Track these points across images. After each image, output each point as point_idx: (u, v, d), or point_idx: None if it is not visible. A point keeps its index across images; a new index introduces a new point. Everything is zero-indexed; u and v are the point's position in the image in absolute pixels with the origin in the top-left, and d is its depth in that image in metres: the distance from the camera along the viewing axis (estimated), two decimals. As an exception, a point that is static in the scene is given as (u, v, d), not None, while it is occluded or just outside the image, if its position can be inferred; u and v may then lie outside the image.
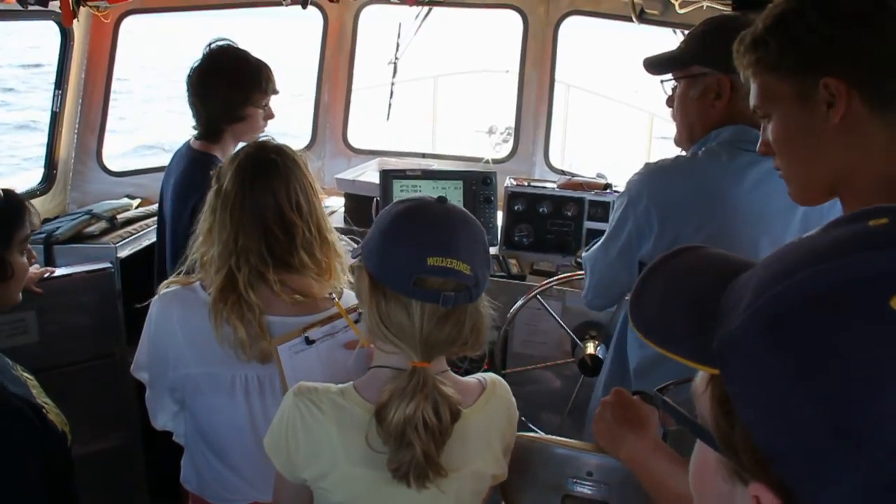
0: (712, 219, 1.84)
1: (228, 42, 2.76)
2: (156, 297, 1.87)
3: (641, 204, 1.92)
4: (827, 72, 1.18)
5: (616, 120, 11.37)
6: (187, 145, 2.80)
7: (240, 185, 1.78)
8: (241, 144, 2.75)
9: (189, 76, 2.71)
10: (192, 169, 2.71)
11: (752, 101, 1.32)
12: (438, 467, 1.36)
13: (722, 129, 1.93)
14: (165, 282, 1.90)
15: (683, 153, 2.07)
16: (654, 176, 1.95)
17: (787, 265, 0.57)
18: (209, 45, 2.74)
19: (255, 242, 1.77)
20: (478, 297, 1.42)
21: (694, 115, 1.99)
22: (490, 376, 1.57)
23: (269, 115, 2.81)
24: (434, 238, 1.37)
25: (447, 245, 1.36)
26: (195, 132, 2.75)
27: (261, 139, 1.90)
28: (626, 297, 2.14)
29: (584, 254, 2.25)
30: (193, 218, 2.57)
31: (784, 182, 1.34)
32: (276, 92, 2.80)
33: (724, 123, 1.94)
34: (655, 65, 2.06)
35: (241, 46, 2.79)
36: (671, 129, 2.11)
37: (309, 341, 1.76)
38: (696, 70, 1.95)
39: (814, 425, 0.50)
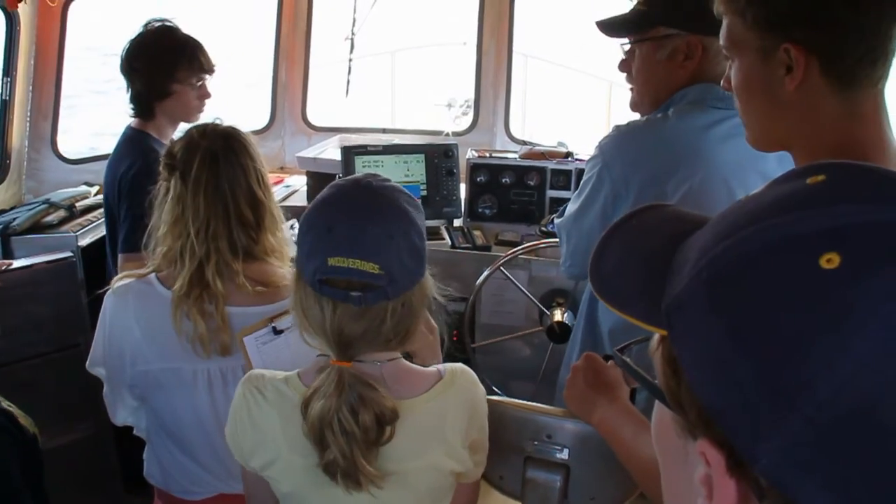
0: (690, 177, 1.83)
1: (165, 21, 2.75)
2: (109, 291, 1.82)
3: (616, 167, 1.90)
4: (790, 36, 1.18)
5: (575, 89, 11.38)
6: (127, 126, 2.81)
7: (210, 168, 1.75)
8: (181, 126, 2.82)
9: (121, 56, 2.71)
10: (123, 143, 2.76)
11: (721, 39, 1.31)
12: (368, 472, 1.31)
13: (688, 90, 1.91)
14: (119, 275, 1.86)
15: (638, 116, 2.06)
16: (628, 138, 1.93)
17: (729, 225, 0.57)
18: (146, 23, 2.73)
19: (226, 227, 1.75)
20: (397, 295, 1.33)
21: (660, 78, 1.95)
22: (453, 367, 1.50)
23: (205, 95, 2.80)
24: (338, 236, 1.30)
25: (351, 244, 1.29)
26: (130, 111, 2.77)
27: (212, 123, 1.86)
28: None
29: (556, 220, 2.23)
30: (120, 191, 2.63)
31: None
32: (207, 71, 2.77)
33: (690, 84, 1.91)
34: (613, 27, 2.00)
35: (179, 25, 2.78)
36: (629, 97, 2.09)
37: (276, 331, 1.74)
38: (662, 31, 1.91)
39: (749, 384, 0.51)
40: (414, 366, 1.48)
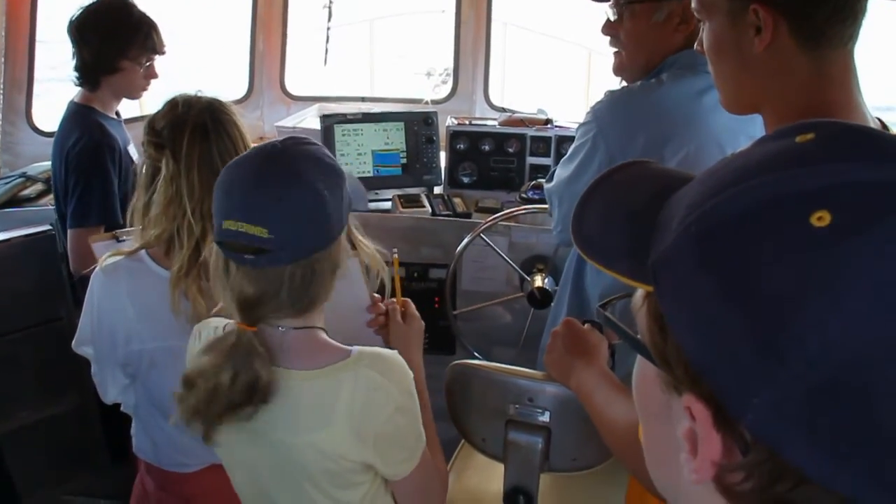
0: (686, 144, 1.82)
1: None
2: (97, 269, 1.79)
3: (612, 134, 1.88)
4: None
5: (554, 56, 11.34)
6: (70, 101, 2.81)
7: (200, 141, 1.71)
8: (123, 101, 2.88)
9: (70, 21, 2.69)
10: (68, 119, 2.77)
11: (693, 2, 1.32)
12: (211, 434, 1.38)
13: (679, 55, 1.90)
14: (107, 253, 1.80)
15: (623, 83, 2.04)
16: (623, 104, 1.91)
17: (718, 182, 0.57)
18: None
19: None
20: (292, 259, 1.32)
21: (654, 42, 1.93)
22: (371, 351, 1.41)
23: (152, 75, 2.81)
24: (232, 198, 1.33)
25: (241, 207, 1.31)
26: (74, 79, 2.76)
27: (194, 95, 1.80)
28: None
29: (546, 185, 2.21)
30: (67, 166, 2.64)
31: None
32: (157, 52, 2.78)
33: (682, 49, 1.90)
34: None
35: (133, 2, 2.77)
36: (609, 63, 2.06)
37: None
38: None
39: (738, 341, 0.51)
40: (329, 341, 1.44)
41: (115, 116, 2.84)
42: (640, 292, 0.64)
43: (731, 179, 0.56)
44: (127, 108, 3.02)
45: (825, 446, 0.49)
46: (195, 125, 1.72)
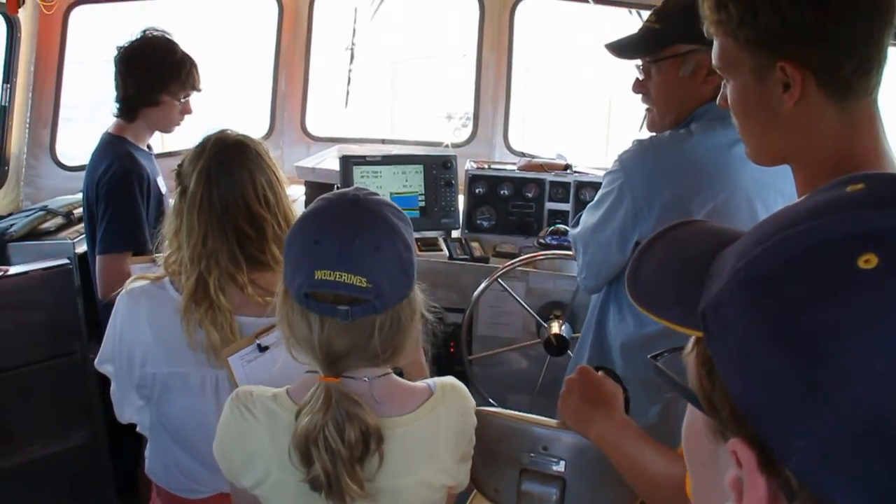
0: (714, 196, 1.81)
1: (162, 31, 2.84)
2: (123, 292, 1.82)
3: (639, 184, 1.87)
4: (784, 53, 1.17)
5: (574, 101, 11.41)
6: (105, 132, 2.87)
7: (205, 185, 1.74)
8: (156, 134, 2.95)
9: (116, 54, 2.79)
10: (101, 148, 2.83)
11: (714, 60, 1.31)
12: (352, 490, 1.29)
13: (708, 106, 1.87)
14: (133, 277, 1.86)
15: (652, 134, 2.03)
16: (651, 155, 1.91)
17: (768, 230, 0.58)
18: (143, 30, 2.82)
19: (226, 243, 1.74)
20: (385, 308, 1.31)
21: (683, 95, 1.92)
22: (443, 382, 1.47)
23: (187, 111, 2.89)
24: (325, 248, 1.28)
25: (338, 257, 1.27)
26: (114, 109, 2.83)
27: (220, 131, 1.84)
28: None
29: (571, 231, 2.20)
30: (98, 193, 2.68)
31: None
32: (196, 89, 2.87)
33: (711, 100, 1.85)
34: (627, 49, 1.97)
35: (174, 40, 2.85)
36: (630, 108, 2.06)
37: (261, 348, 1.73)
38: (682, 48, 1.88)
39: (784, 381, 0.52)
40: (404, 382, 1.46)
41: (146, 149, 2.90)
42: (690, 341, 0.64)
43: (782, 226, 0.57)
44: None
45: (870, 492, 0.48)
46: (203, 167, 1.75)
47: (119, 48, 2.79)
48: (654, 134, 2.00)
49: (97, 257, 2.72)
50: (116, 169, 2.69)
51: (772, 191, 1.81)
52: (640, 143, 1.93)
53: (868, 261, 0.51)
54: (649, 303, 0.69)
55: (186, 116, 2.91)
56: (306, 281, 1.29)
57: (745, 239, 0.61)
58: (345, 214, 1.32)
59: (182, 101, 2.84)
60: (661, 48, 1.92)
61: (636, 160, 1.90)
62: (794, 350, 0.52)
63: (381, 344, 1.33)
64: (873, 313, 0.49)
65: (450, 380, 1.49)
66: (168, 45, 2.81)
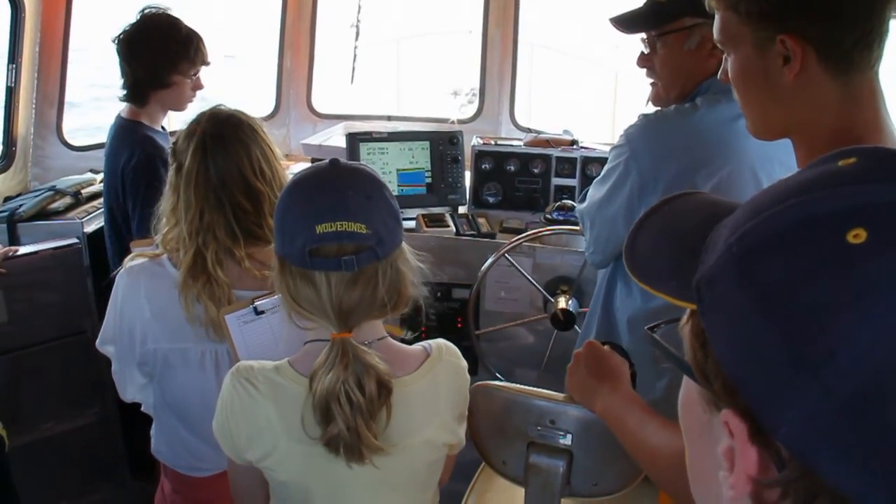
0: (719, 169, 1.83)
1: (162, 9, 2.77)
2: (122, 270, 1.84)
3: (645, 159, 1.88)
4: (784, 27, 1.18)
5: (580, 77, 11.35)
6: (118, 115, 2.84)
7: (201, 160, 1.75)
8: (169, 113, 2.93)
9: (118, 39, 2.73)
10: (118, 134, 2.80)
11: (715, 34, 1.31)
12: (370, 443, 1.33)
13: (713, 80, 1.88)
14: (131, 255, 1.87)
15: (657, 109, 2.03)
16: (657, 129, 1.91)
17: (759, 204, 0.59)
18: (142, 10, 2.76)
19: (223, 217, 1.76)
20: (386, 255, 1.37)
21: (688, 69, 1.93)
22: (437, 342, 1.53)
23: (198, 86, 2.85)
24: (320, 204, 1.33)
25: (335, 208, 1.32)
26: (122, 95, 2.79)
27: (213, 108, 1.86)
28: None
29: (578, 206, 2.22)
30: (124, 184, 2.66)
31: None
32: (206, 63, 2.83)
33: (716, 73, 1.90)
34: (633, 22, 1.97)
35: (176, 15, 2.80)
36: (636, 84, 2.06)
37: (258, 311, 1.75)
38: (688, 21, 1.88)
39: (774, 354, 0.52)
40: (401, 344, 1.50)
41: (161, 129, 2.89)
42: (686, 313, 0.65)
43: (773, 201, 0.58)
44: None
45: (858, 462, 0.49)
46: (198, 142, 1.77)
47: (120, 31, 2.74)
48: (659, 108, 2.00)
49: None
50: (140, 156, 2.68)
51: (776, 164, 1.82)
52: (645, 118, 1.93)
53: (857, 235, 0.51)
54: (646, 276, 0.69)
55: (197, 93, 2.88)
56: (309, 238, 1.32)
57: (738, 212, 0.62)
58: (329, 174, 1.38)
59: (193, 77, 2.80)
60: (666, 22, 1.92)
61: (642, 134, 1.91)
62: (783, 324, 0.52)
63: (386, 292, 1.38)
64: (860, 289, 0.50)
65: (442, 341, 1.55)
66: (172, 23, 2.76)
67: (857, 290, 0.50)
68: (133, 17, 2.75)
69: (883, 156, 0.59)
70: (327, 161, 1.41)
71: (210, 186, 1.75)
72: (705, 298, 0.59)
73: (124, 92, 2.78)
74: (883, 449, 0.49)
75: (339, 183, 1.36)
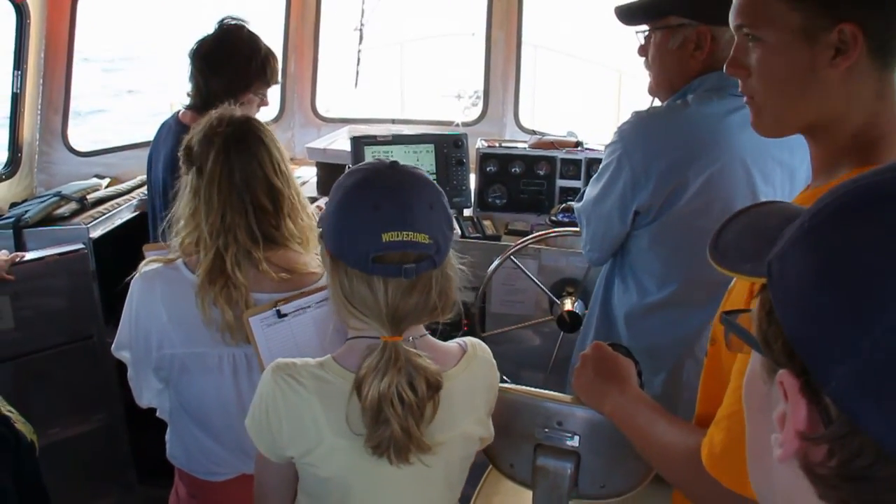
0: (710, 164, 1.85)
1: (241, 21, 2.76)
2: (137, 275, 1.84)
3: (636, 154, 1.91)
4: (846, 15, 1.11)
5: (585, 78, 11.34)
6: (175, 118, 2.80)
7: (224, 162, 1.76)
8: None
9: (197, 49, 2.71)
10: (169, 133, 2.76)
11: (741, 18, 1.23)
12: (420, 442, 1.35)
13: (706, 77, 1.92)
14: (146, 259, 1.87)
15: (657, 102, 2.07)
16: (648, 125, 1.94)
17: (833, 189, 0.63)
18: (221, 21, 2.74)
19: (244, 217, 1.76)
20: (441, 263, 1.39)
21: (673, 67, 1.97)
22: (471, 340, 1.56)
23: (265, 104, 2.84)
24: (387, 212, 1.33)
25: (402, 217, 1.33)
26: (187, 102, 2.76)
27: (222, 110, 1.87)
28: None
29: (575, 205, 2.24)
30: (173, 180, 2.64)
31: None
32: (277, 83, 2.82)
33: (704, 72, 1.92)
34: (629, 14, 2.02)
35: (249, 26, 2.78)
36: (640, 85, 2.10)
37: (280, 315, 1.75)
38: (674, 20, 1.92)
39: (830, 311, 0.56)
40: (439, 341, 1.52)
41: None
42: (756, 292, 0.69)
43: (845, 184, 0.62)
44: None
45: None
46: (221, 143, 1.77)
47: (198, 42, 2.71)
48: (651, 106, 2.05)
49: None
50: None
51: (769, 159, 1.84)
52: (637, 115, 1.97)
53: None
54: (725, 260, 0.74)
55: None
56: (374, 245, 1.33)
57: (812, 203, 0.65)
58: (393, 179, 1.38)
59: (262, 96, 2.79)
60: (655, 18, 1.97)
61: (634, 131, 1.94)
62: (843, 283, 0.56)
63: (437, 297, 1.40)
64: None
65: (474, 338, 1.58)
66: (253, 41, 2.74)
67: None
68: (212, 29, 2.73)
69: None
70: (385, 162, 1.42)
71: (234, 188, 1.76)
72: (774, 271, 0.63)
73: (190, 100, 2.75)
74: None
75: (404, 189, 1.36)
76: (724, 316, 0.73)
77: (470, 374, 1.50)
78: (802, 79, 1.18)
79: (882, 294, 0.53)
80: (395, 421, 1.33)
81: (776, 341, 0.62)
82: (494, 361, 1.58)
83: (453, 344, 1.53)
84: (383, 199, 1.35)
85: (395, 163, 1.41)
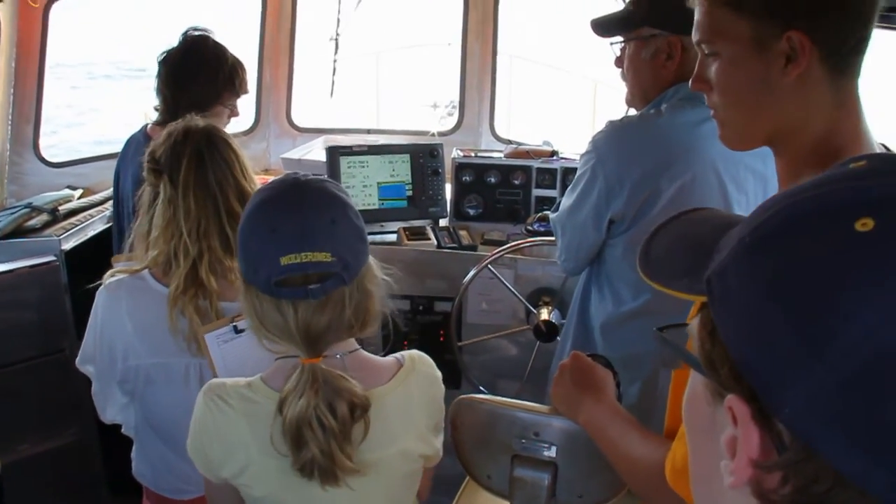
0: (683, 173, 1.87)
1: (206, 32, 2.73)
2: (101, 287, 1.83)
3: (610, 163, 1.92)
4: (793, 23, 1.13)
5: (560, 88, 11.41)
6: (144, 133, 2.77)
7: (197, 166, 1.76)
8: None
9: (163, 61, 2.67)
10: (136, 150, 2.67)
11: (699, 34, 1.25)
12: (345, 465, 1.33)
13: (680, 86, 1.94)
14: (110, 271, 1.86)
15: (633, 111, 2.09)
16: (622, 134, 1.96)
17: (773, 202, 0.62)
18: (185, 32, 2.71)
19: (216, 224, 1.76)
20: (353, 279, 1.35)
21: (646, 76, 2.00)
22: (410, 353, 1.53)
23: (234, 114, 2.81)
24: (284, 234, 1.31)
25: (299, 238, 1.30)
26: (155, 117, 2.73)
27: (186, 120, 1.86)
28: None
29: (551, 215, 2.25)
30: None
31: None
32: (246, 92, 2.80)
33: (677, 82, 1.95)
34: (604, 26, 2.05)
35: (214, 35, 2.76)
36: (615, 94, 2.13)
37: (237, 330, 1.74)
38: (647, 31, 1.96)
39: (778, 334, 0.54)
40: (372, 356, 1.50)
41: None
42: (693, 310, 0.68)
43: (785, 196, 0.60)
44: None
45: (858, 441, 0.50)
46: (192, 151, 1.77)
47: (164, 54, 2.68)
48: (625, 115, 2.07)
49: None
50: None
51: (741, 168, 1.87)
52: (611, 124, 1.99)
53: (865, 224, 0.53)
54: (659, 275, 0.72)
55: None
56: (273, 270, 1.30)
57: (751, 214, 0.64)
58: (292, 197, 1.35)
59: (231, 106, 2.76)
60: (631, 28, 2.00)
61: (607, 141, 1.96)
62: (789, 305, 0.54)
63: (353, 314, 1.37)
64: (864, 269, 0.52)
65: (415, 352, 1.55)
66: (219, 52, 2.71)
67: (860, 274, 0.52)
68: (177, 41, 2.69)
69: (891, 158, 0.62)
70: (290, 179, 1.39)
71: (209, 193, 1.77)
72: (716, 289, 0.61)
73: (158, 115, 2.71)
74: (882, 427, 0.50)
75: (303, 208, 1.33)
76: (658, 332, 0.71)
77: (406, 389, 1.47)
78: (758, 89, 1.20)
79: (832, 314, 0.52)
80: (314, 445, 1.31)
81: (722, 365, 0.60)
82: (439, 374, 1.56)
83: (390, 359, 1.51)
84: (280, 221, 1.33)
85: (297, 180, 1.38)
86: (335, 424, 1.31)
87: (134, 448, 1.96)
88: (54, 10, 3.31)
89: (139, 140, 2.75)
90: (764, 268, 0.57)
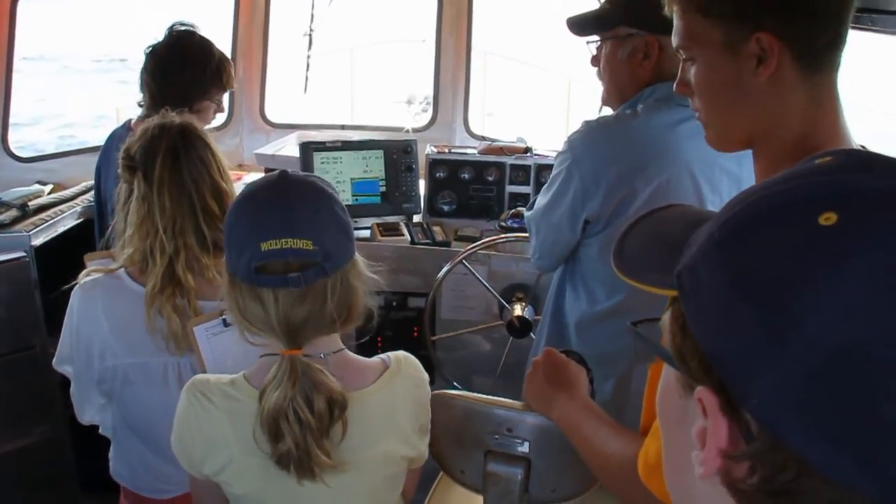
0: (658, 174, 1.87)
1: (192, 27, 2.70)
2: (77, 286, 1.81)
3: (586, 164, 1.92)
4: (761, 25, 1.16)
5: (534, 84, 11.43)
6: (126, 128, 2.73)
7: (172, 164, 1.75)
8: None
9: (150, 55, 2.64)
10: (118, 146, 2.66)
11: (676, 40, 1.29)
12: (321, 461, 1.32)
13: (656, 87, 1.94)
14: (85, 270, 1.84)
15: (609, 111, 2.09)
16: (597, 134, 1.96)
17: (741, 197, 0.63)
18: (171, 27, 2.68)
19: (192, 222, 1.75)
20: (335, 270, 1.35)
21: (623, 76, 2.00)
22: (397, 355, 1.53)
23: (220, 110, 2.79)
24: (267, 220, 1.32)
25: (281, 225, 1.31)
26: (140, 111, 2.69)
27: (161, 116, 1.84)
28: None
29: (526, 213, 2.25)
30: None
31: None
32: (232, 87, 2.78)
33: (653, 82, 1.95)
34: (580, 25, 2.04)
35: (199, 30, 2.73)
36: (589, 91, 2.13)
37: (226, 324, 1.73)
38: (623, 31, 1.95)
39: (745, 326, 0.55)
40: (359, 357, 1.49)
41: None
42: (666, 304, 0.69)
43: (752, 192, 0.62)
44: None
45: (823, 430, 0.52)
46: (167, 148, 1.75)
47: (150, 49, 2.64)
48: (601, 115, 2.06)
49: None
50: None
51: (717, 169, 1.87)
52: (587, 124, 1.99)
53: (828, 218, 0.55)
54: (631, 271, 0.73)
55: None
56: (254, 255, 1.31)
57: (720, 211, 0.65)
58: (278, 188, 1.36)
59: (218, 101, 2.74)
60: (607, 28, 2.00)
61: (583, 141, 1.96)
62: (755, 297, 0.56)
63: (335, 308, 1.36)
64: (828, 261, 0.53)
65: (402, 353, 1.54)
66: (206, 47, 2.68)
67: (824, 266, 0.53)
68: (162, 35, 2.66)
69: (855, 154, 0.64)
70: (277, 172, 1.40)
71: (184, 191, 1.75)
72: (686, 284, 0.63)
73: (143, 109, 2.67)
74: (846, 416, 0.51)
75: (287, 197, 1.34)
76: (631, 327, 0.73)
77: (391, 391, 1.46)
78: (732, 91, 1.23)
79: (796, 305, 0.53)
80: (290, 437, 1.31)
81: (692, 358, 0.61)
82: (425, 377, 1.55)
83: (376, 360, 1.50)
84: (264, 206, 1.34)
85: (284, 172, 1.39)
86: (311, 419, 1.31)
87: (112, 448, 1.95)
88: (21, 4, 3.27)
89: (121, 136, 2.71)
90: (731, 262, 0.59)
